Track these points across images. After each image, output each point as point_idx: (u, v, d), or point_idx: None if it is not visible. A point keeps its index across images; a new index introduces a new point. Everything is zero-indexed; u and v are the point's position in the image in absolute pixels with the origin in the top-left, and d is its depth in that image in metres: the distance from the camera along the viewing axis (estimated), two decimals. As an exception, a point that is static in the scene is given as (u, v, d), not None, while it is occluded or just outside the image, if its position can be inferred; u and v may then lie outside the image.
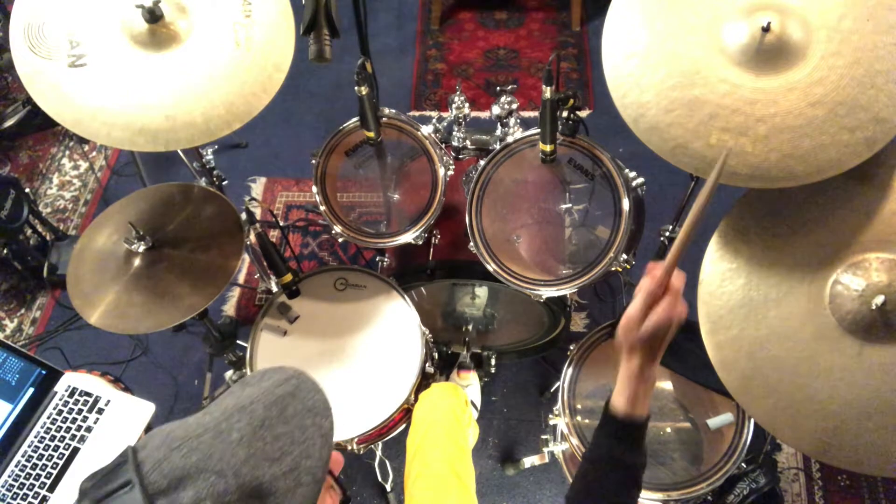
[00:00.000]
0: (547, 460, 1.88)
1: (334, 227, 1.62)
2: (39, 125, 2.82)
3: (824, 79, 1.04)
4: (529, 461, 1.92)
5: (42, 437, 1.47)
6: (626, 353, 0.91)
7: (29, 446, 1.46)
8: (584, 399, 1.54)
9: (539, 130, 1.40)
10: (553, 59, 1.23)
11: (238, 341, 1.80)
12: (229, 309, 2.35)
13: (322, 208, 1.62)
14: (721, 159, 0.87)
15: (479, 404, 2.00)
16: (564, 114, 1.38)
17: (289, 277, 1.58)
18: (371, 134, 1.55)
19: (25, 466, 1.44)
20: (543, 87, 1.28)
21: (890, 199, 1.10)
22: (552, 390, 2.04)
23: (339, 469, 0.76)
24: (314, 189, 1.61)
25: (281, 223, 2.53)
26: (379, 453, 1.85)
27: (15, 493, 1.41)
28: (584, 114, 2.41)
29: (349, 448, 1.55)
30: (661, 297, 0.88)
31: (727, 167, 1.07)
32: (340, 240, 1.63)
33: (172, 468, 0.59)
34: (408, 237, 1.59)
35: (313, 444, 0.66)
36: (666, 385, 1.54)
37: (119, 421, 1.49)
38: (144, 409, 1.51)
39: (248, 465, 0.61)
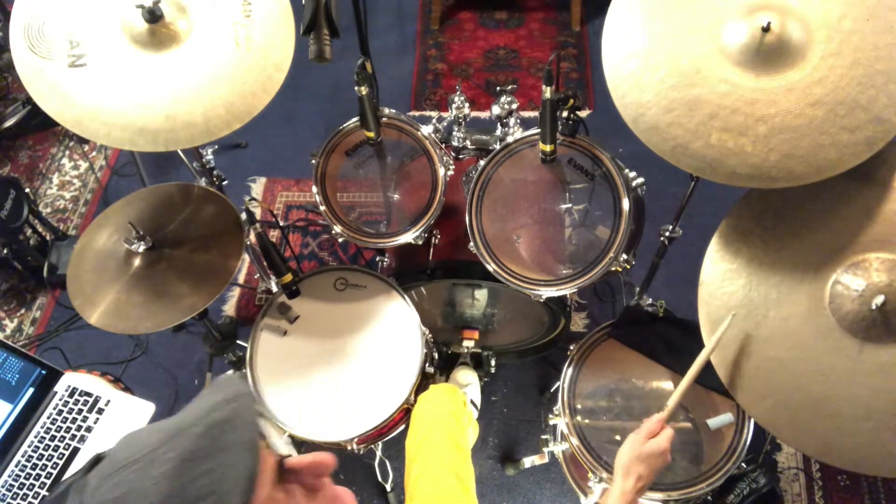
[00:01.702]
0: (547, 460, 1.88)
1: (334, 227, 1.62)
2: (39, 125, 2.81)
3: (824, 79, 1.04)
4: (529, 461, 1.92)
5: (42, 437, 1.47)
6: (624, 474, 1.10)
7: (29, 446, 1.46)
8: (584, 399, 1.54)
9: (539, 130, 1.39)
10: (553, 59, 1.23)
11: (238, 341, 1.80)
12: (229, 309, 2.35)
13: (322, 208, 1.62)
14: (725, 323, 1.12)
15: (479, 404, 2.00)
16: (564, 114, 1.38)
17: (289, 277, 1.58)
18: (371, 134, 1.55)
19: (25, 466, 1.44)
20: (543, 87, 1.27)
21: (890, 199, 1.10)
22: (552, 390, 2.04)
23: (328, 469, 0.72)
24: (314, 189, 1.61)
25: (281, 223, 2.53)
26: (379, 453, 1.85)
27: (15, 493, 1.41)
28: (584, 114, 2.40)
29: (349, 448, 1.55)
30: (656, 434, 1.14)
31: (726, 167, 1.07)
32: (340, 240, 1.63)
33: (102, 501, 0.57)
34: (408, 237, 1.58)
35: (237, 486, 0.61)
36: (666, 385, 1.54)
37: (119, 421, 1.49)
38: (144, 409, 1.51)
39: None
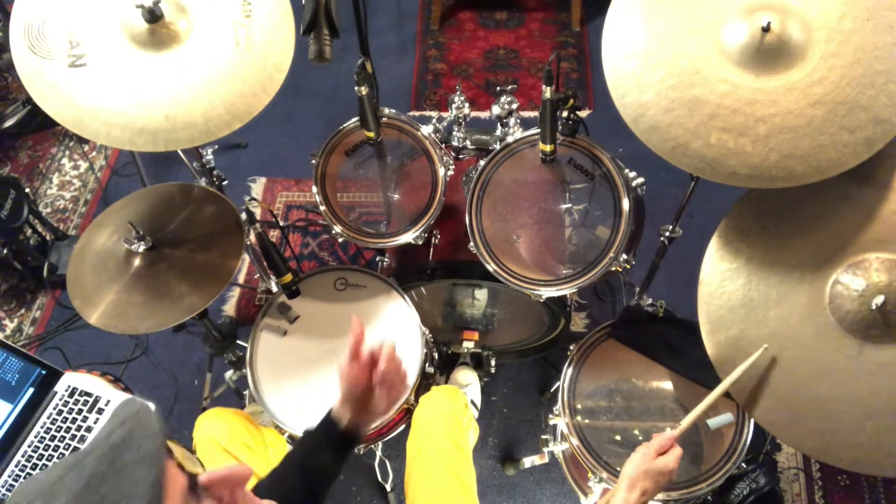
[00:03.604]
0: (547, 460, 1.88)
1: (334, 227, 1.62)
2: (39, 125, 2.82)
3: (824, 79, 1.04)
4: (529, 461, 1.92)
5: (42, 438, 1.47)
6: (629, 486, 1.10)
7: (29, 446, 1.46)
8: (584, 399, 1.54)
9: (539, 130, 1.40)
10: (553, 59, 1.23)
11: (238, 341, 1.80)
12: (229, 309, 2.35)
13: (322, 208, 1.62)
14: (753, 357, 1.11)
15: (479, 404, 2.00)
16: (564, 114, 1.38)
17: (289, 277, 1.58)
18: (371, 134, 1.55)
19: (25, 466, 1.44)
20: (543, 87, 1.27)
21: (890, 199, 1.10)
22: (552, 390, 2.04)
23: (243, 481, 0.73)
24: (314, 189, 1.61)
25: (281, 223, 2.53)
26: (379, 453, 1.85)
27: (15, 493, 1.41)
28: (584, 114, 2.40)
29: (349, 448, 1.55)
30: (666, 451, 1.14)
31: (726, 167, 1.07)
32: (340, 240, 1.63)
33: None
34: (408, 237, 1.58)
35: (142, 499, 0.62)
36: (666, 385, 1.54)
37: (119, 421, 1.49)
38: (144, 409, 1.51)
39: None
